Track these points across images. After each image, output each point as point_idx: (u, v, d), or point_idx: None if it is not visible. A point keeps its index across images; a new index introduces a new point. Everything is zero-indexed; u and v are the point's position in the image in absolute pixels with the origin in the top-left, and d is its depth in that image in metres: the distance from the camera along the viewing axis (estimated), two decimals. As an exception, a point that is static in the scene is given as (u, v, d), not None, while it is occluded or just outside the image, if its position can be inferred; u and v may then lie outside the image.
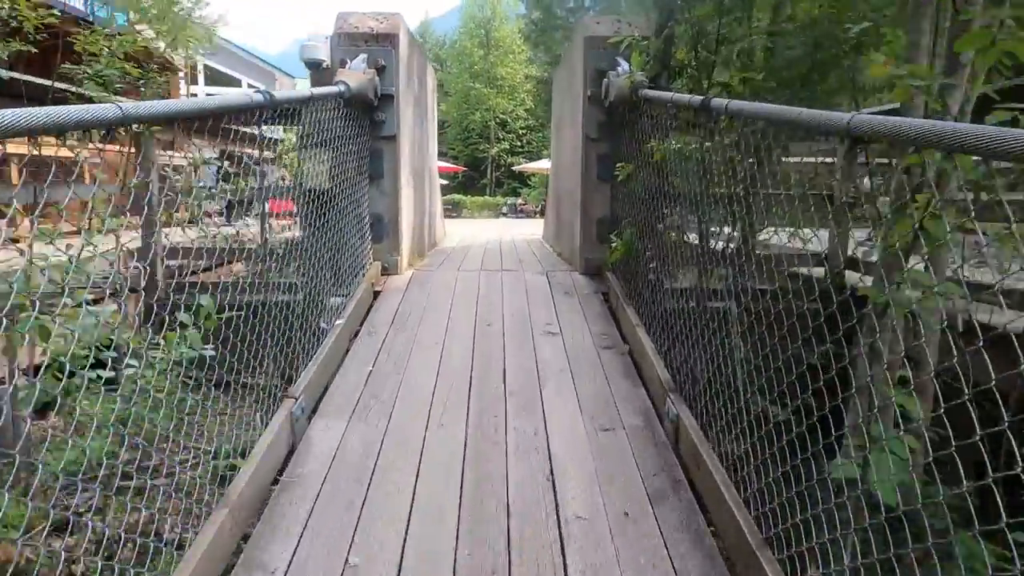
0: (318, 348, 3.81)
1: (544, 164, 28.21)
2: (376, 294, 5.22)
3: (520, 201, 27.30)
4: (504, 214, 28.43)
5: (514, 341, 4.33)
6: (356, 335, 4.49)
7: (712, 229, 3.33)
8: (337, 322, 4.23)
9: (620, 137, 5.21)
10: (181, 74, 13.32)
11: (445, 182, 32.25)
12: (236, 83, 28.00)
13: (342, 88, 4.50)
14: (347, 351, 4.21)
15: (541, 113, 41.19)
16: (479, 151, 41.73)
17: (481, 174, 41.95)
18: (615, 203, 5.50)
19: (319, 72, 5.28)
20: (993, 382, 1.43)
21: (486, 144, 41.53)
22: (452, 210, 27.11)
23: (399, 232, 5.68)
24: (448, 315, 4.78)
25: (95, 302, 4.55)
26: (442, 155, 43.17)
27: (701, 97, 3.11)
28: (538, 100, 41.23)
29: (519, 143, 42.21)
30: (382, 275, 5.61)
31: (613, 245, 4.83)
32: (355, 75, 4.77)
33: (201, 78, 27.19)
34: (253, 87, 27.93)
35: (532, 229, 13.07)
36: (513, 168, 31.89)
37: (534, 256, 7.31)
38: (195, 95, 27.07)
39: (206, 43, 13.61)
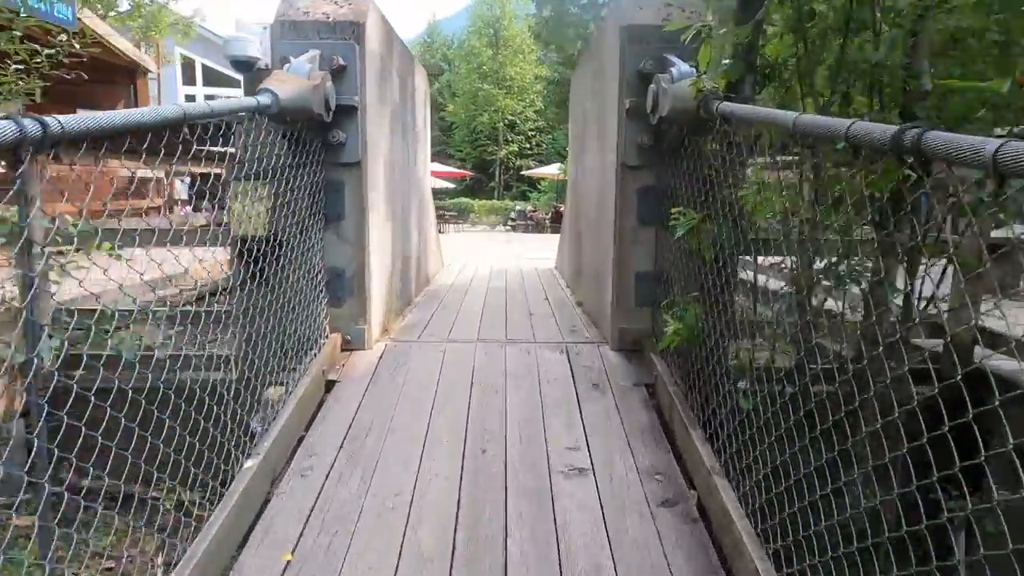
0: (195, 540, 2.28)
1: (554, 169, 26.60)
2: (330, 385, 3.69)
3: (530, 208, 25.69)
4: (512, 220, 26.83)
5: (521, 487, 2.78)
6: (288, 463, 2.97)
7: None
8: (247, 464, 2.70)
9: (674, 167, 3.65)
10: (152, 75, 11.82)
11: (452, 186, 30.79)
12: (235, 83, 26.66)
13: (266, 100, 2.96)
14: (265, 504, 2.68)
15: (551, 115, 39.53)
16: (487, 153, 40.19)
17: (489, 177, 40.40)
18: (663, 253, 3.94)
19: (251, 74, 3.76)
20: None
21: (494, 146, 40.00)
22: (458, 216, 25.61)
23: (367, 291, 4.14)
24: (426, 431, 3.23)
25: None
26: (448, 158, 41.77)
27: (893, 128, 1.56)
28: (548, 101, 39.60)
29: (528, 145, 40.66)
30: (343, 350, 4.07)
31: (667, 328, 3.27)
32: (291, 80, 3.22)
33: (199, 77, 25.79)
34: (252, 88, 26.46)
35: (544, 252, 11.54)
36: (523, 173, 30.46)
37: (548, 306, 5.75)
38: (193, 97, 25.68)
39: (182, 38, 12.15)
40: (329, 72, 3.65)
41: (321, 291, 3.88)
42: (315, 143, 3.68)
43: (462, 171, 30.17)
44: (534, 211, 24.86)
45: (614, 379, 3.81)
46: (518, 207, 30.31)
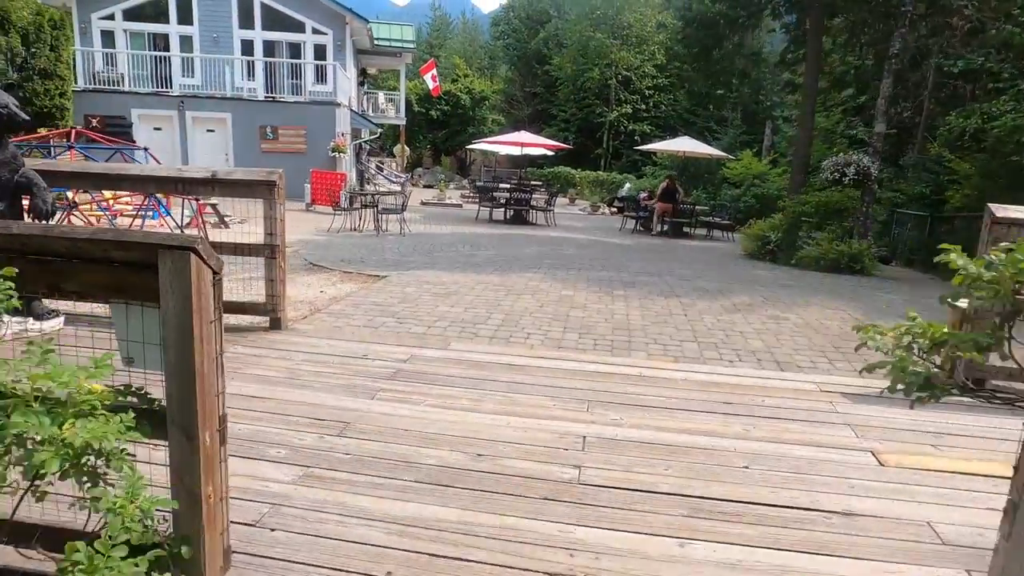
0: None
1: (683, 145, 19.09)
2: None
3: (644, 193, 18.20)
4: (618, 202, 19.93)
5: None
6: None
7: None
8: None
9: None
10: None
11: (550, 154, 24.27)
12: (298, 26, 21.27)
13: None
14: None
15: (674, 69, 31.34)
16: (595, 115, 32.68)
17: (596, 143, 32.95)
18: None
19: None
20: None
21: (604, 107, 32.48)
22: (555, 193, 18.90)
23: None
24: None
25: None
26: (552, 118, 34.43)
27: None
28: (671, 54, 31.28)
29: (644, 107, 32.76)
30: None
31: None
32: None
33: (258, 21, 20.60)
34: (319, 32, 21.00)
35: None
36: (639, 148, 23.04)
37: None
38: (250, 41, 20.57)
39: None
40: None
41: None
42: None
43: (558, 143, 23.24)
44: (649, 198, 17.21)
45: None
46: (627, 186, 23.12)
